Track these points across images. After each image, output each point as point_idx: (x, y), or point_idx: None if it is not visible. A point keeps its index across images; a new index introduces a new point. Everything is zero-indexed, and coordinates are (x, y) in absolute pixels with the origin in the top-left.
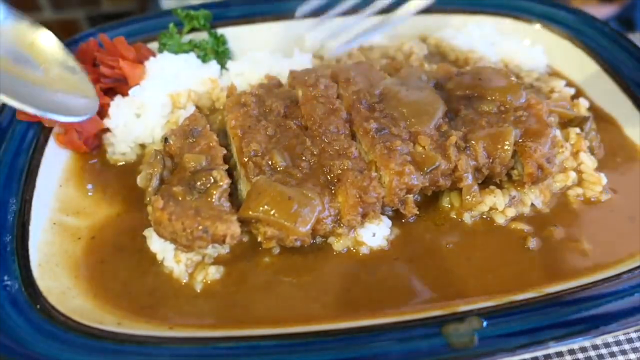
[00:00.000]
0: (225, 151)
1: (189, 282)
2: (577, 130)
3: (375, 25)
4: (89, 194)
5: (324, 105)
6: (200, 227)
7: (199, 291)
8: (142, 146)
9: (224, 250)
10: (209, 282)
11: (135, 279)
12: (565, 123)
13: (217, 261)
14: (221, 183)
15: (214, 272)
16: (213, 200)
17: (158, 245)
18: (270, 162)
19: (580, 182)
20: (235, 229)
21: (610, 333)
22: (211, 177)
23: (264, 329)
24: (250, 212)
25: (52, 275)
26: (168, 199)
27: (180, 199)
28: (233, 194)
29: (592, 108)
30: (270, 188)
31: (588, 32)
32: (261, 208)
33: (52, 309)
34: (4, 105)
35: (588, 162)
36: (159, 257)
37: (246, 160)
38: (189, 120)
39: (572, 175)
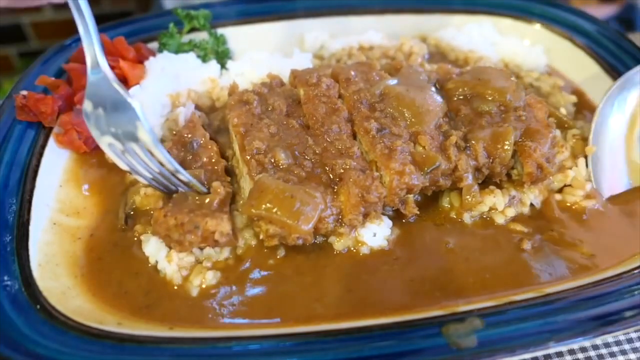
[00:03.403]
0: (226, 163)
1: (184, 284)
2: (575, 131)
3: None
4: (89, 194)
5: (326, 104)
6: (192, 222)
7: (196, 293)
8: None
9: (224, 255)
10: (206, 284)
11: (133, 277)
12: (563, 127)
13: (215, 266)
14: (219, 190)
15: (210, 278)
16: (212, 205)
17: (153, 248)
18: (272, 160)
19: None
20: (225, 225)
21: (610, 333)
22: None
23: (264, 329)
24: (253, 210)
25: (52, 275)
26: (168, 201)
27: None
28: (234, 194)
29: (591, 108)
30: (272, 186)
31: (588, 32)
32: (263, 206)
33: (52, 309)
34: (4, 105)
35: (582, 166)
36: (152, 260)
37: (249, 158)
38: (188, 129)
39: (572, 175)
